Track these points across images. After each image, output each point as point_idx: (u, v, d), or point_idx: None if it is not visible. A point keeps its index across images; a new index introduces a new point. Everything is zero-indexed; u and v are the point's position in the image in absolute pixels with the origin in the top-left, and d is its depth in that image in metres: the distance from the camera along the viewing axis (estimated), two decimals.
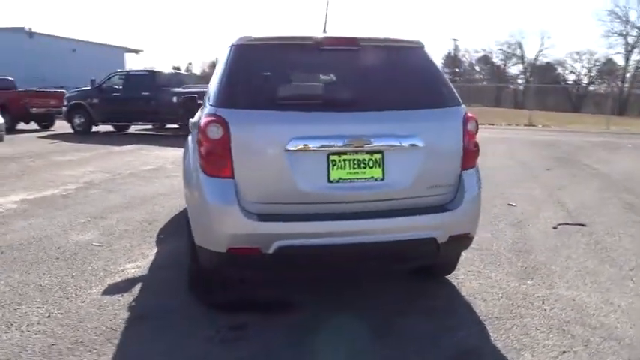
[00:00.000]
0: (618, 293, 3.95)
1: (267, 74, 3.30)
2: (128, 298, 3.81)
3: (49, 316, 3.50)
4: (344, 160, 3.13)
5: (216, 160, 3.08)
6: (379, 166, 3.17)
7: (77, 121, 16.82)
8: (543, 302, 3.77)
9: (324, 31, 3.89)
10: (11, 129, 18.01)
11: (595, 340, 3.22)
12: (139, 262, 4.59)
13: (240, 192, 3.08)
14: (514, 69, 76.72)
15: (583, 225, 5.90)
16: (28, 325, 3.36)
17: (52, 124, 19.22)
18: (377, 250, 3.17)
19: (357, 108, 3.22)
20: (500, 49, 77.35)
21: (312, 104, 3.20)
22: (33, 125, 19.13)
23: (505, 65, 76.83)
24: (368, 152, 3.15)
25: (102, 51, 43.01)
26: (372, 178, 3.17)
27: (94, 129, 17.11)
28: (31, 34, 41.69)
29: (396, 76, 3.50)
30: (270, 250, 3.03)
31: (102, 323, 3.40)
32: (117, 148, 12.81)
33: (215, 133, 3.06)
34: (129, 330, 3.32)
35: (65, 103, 17.08)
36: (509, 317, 3.52)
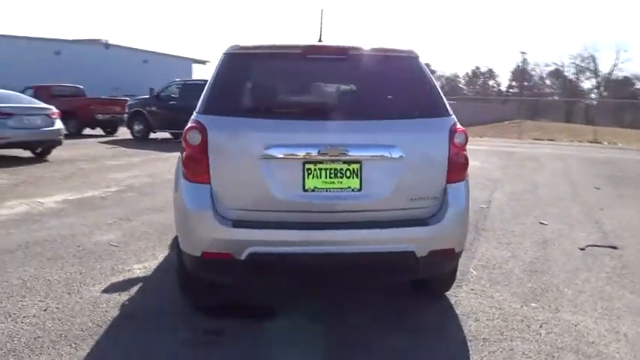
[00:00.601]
0: (629, 322, 3.66)
1: (251, 82, 3.34)
2: (124, 297, 3.94)
3: (45, 309, 3.68)
4: (320, 169, 3.10)
5: (194, 165, 3.15)
6: (356, 177, 3.13)
7: (136, 127, 17.61)
8: (541, 326, 3.56)
9: (320, 39, 3.88)
10: (78, 133, 19.19)
11: None
12: (147, 263, 4.73)
13: (216, 198, 3.12)
14: (587, 83, 73.36)
15: (614, 248, 5.53)
16: (24, 317, 3.54)
17: (115, 130, 20.21)
18: (352, 261, 3.11)
19: (335, 117, 3.19)
20: (572, 63, 74.16)
21: (290, 112, 3.21)
22: (98, 131, 20.20)
23: (577, 79, 73.62)
24: (345, 162, 3.11)
25: (171, 62, 44.96)
26: (349, 188, 3.13)
27: (152, 135, 17.84)
28: (107, 46, 44.25)
29: (382, 85, 3.45)
30: (243, 257, 3.05)
31: (91, 319, 3.53)
32: (167, 154, 13.29)
33: (194, 139, 3.13)
34: (113, 328, 3.43)
35: (126, 110, 17.93)
36: (498, 340, 3.34)
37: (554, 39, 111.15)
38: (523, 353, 3.18)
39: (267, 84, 3.39)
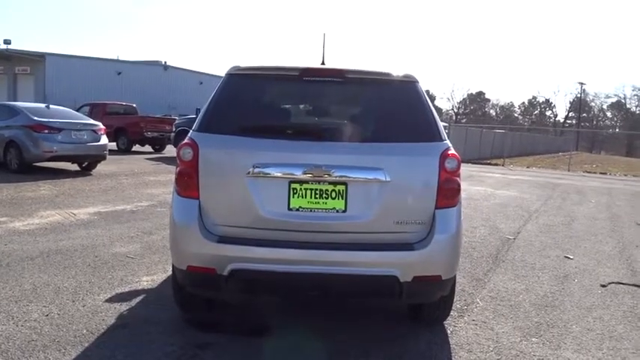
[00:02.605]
0: None
1: (247, 102, 3.42)
2: (124, 307, 4.05)
3: (47, 315, 3.83)
4: (305, 189, 3.13)
5: (185, 180, 3.24)
6: (342, 198, 3.13)
7: None
8: None
9: (323, 62, 3.94)
10: (127, 150, 20.01)
11: None
12: (156, 276, 4.86)
13: (204, 213, 3.20)
14: None
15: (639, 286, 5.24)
16: (25, 321, 3.70)
17: (163, 147, 20.92)
18: (333, 282, 3.10)
19: (324, 138, 3.22)
20: (635, 95, 71.34)
21: (280, 132, 3.26)
22: (147, 148, 20.97)
23: None
24: (331, 183, 3.13)
25: None
26: (334, 209, 3.13)
27: None
28: (165, 67, 46.21)
29: (375, 108, 3.46)
30: (225, 272, 3.09)
31: (85, 326, 3.64)
32: None
33: (186, 155, 3.23)
34: (104, 335, 3.53)
35: (173, 129, 18.56)
36: None
37: (616, 69, 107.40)
38: None
39: (261, 104, 3.47)
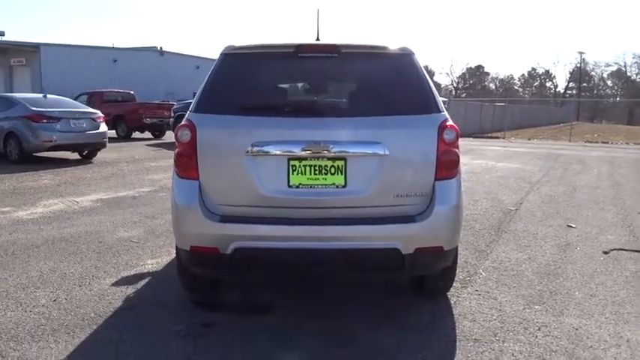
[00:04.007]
0: (637, 328, 3.49)
1: (243, 81, 3.40)
2: (130, 290, 4.09)
3: (55, 300, 3.87)
4: (304, 166, 3.13)
5: (184, 162, 3.25)
6: (341, 173, 3.13)
7: None
8: (539, 329, 3.44)
9: (317, 38, 3.91)
10: (127, 137, 19.99)
11: None
12: (160, 259, 4.89)
13: (205, 193, 3.21)
14: None
15: None
16: (33, 307, 3.74)
17: (163, 133, 20.88)
18: (335, 257, 3.11)
19: (322, 114, 3.22)
20: (635, 62, 70.73)
21: (277, 110, 3.25)
22: (147, 134, 20.94)
23: None
24: (330, 158, 3.13)
25: None
26: (334, 184, 3.14)
27: None
28: (161, 53, 45.85)
29: (372, 82, 3.44)
30: (228, 251, 3.11)
31: (93, 310, 3.69)
32: None
33: (184, 136, 3.23)
34: (112, 318, 3.57)
35: (172, 114, 18.51)
36: (489, 341, 3.26)
37: (615, 38, 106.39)
38: (512, 355, 3.09)
39: (258, 82, 3.45)
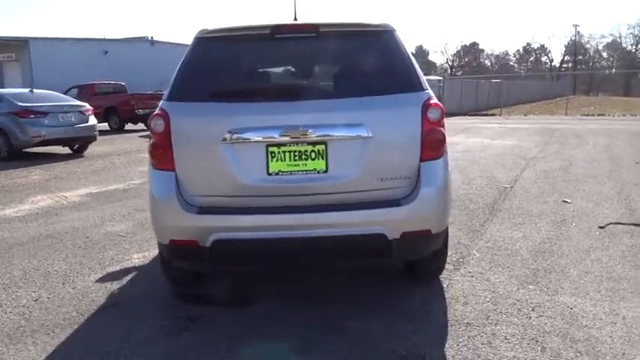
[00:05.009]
0: (632, 304, 3.40)
1: (217, 66, 3.26)
2: (115, 285, 3.99)
3: (36, 299, 3.77)
4: (283, 152, 3.01)
5: (159, 152, 3.12)
6: (322, 158, 3.01)
7: None
8: (533, 309, 3.36)
9: (295, 18, 3.75)
10: (121, 129, 19.80)
11: (568, 355, 2.80)
12: (148, 252, 4.79)
13: (181, 184, 3.09)
14: None
15: (638, 225, 5.16)
16: (14, 307, 3.65)
17: None
18: (319, 245, 3.01)
19: (300, 97, 3.08)
20: (630, 33, 70.16)
21: (253, 94, 3.12)
22: (140, 125, 20.72)
23: (637, 50, 69.63)
24: (310, 143, 3.00)
25: None
26: (315, 170, 3.02)
27: None
28: (152, 42, 45.35)
29: (352, 62, 3.30)
30: (208, 244, 3.01)
31: (76, 308, 3.59)
32: None
33: (158, 126, 3.10)
34: (95, 316, 3.48)
35: None
36: (481, 324, 3.17)
37: (610, 9, 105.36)
38: (505, 338, 3.00)
39: (233, 67, 3.30)
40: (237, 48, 3.33)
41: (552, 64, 79.87)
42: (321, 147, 3.00)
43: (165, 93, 3.28)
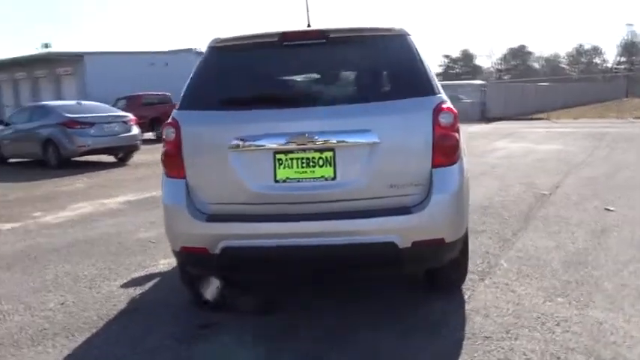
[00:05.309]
0: None
1: (227, 74, 3.27)
2: (138, 291, 4.06)
3: (62, 303, 3.88)
4: (291, 159, 2.98)
5: (171, 161, 3.16)
6: (330, 165, 2.96)
7: None
8: (558, 324, 3.18)
9: (309, 25, 3.73)
10: None
11: None
12: (173, 259, 4.76)
13: (192, 192, 3.11)
14: None
15: None
16: (41, 310, 3.76)
17: None
18: (327, 253, 2.95)
19: (307, 104, 3.05)
20: None
21: (261, 102, 3.10)
22: None
23: None
24: (317, 150, 2.96)
25: None
26: (323, 177, 2.97)
27: None
28: (197, 53, 46.44)
29: (362, 67, 3.26)
30: (217, 251, 3.01)
31: (97, 313, 3.67)
32: None
33: (169, 134, 3.14)
34: (113, 320, 3.54)
35: None
36: (500, 338, 3.02)
37: None
38: (523, 354, 2.85)
39: (242, 75, 3.29)
40: (246, 56, 3.33)
41: (605, 65, 76.82)
42: (329, 154, 2.96)
43: (179, 102, 3.31)
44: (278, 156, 2.98)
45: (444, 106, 3.01)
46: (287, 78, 3.30)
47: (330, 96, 3.13)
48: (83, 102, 12.90)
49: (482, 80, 36.28)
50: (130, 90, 27.73)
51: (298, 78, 3.30)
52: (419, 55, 3.19)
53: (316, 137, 2.92)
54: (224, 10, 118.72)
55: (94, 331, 3.39)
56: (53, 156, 11.79)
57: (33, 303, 3.91)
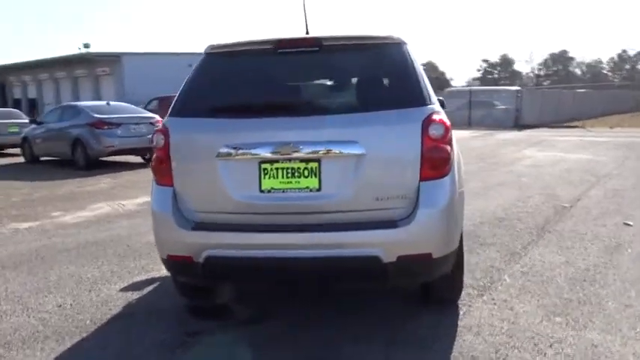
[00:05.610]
0: None
1: (219, 81, 3.27)
2: (135, 295, 4.10)
3: (60, 305, 3.94)
4: (276, 169, 2.95)
5: (160, 168, 3.17)
6: (315, 176, 2.92)
7: None
8: (551, 345, 3.05)
9: (307, 32, 3.70)
10: None
11: None
12: None
13: (180, 200, 3.12)
14: None
15: None
16: (38, 312, 3.83)
17: None
18: (310, 265, 2.91)
19: (295, 113, 3.01)
20: None
21: (249, 110, 3.08)
22: None
23: None
24: (303, 160, 2.92)
25: None
26: (307, 188, 2.93)
27: None
28: None
29: (352, 77, 3.21)
30: (201, 260, 3.00)
31: (91, 317, 3.71)
32: None
33: (159, 141, 3.15)
34: (106, 325, 3.58)
35: None
36: (487, 359, 2.92)
37: None
38: None
39: (234, 82, 3.28)
40: (239, 63, 3.32)
41: None
42: (314, 164, 2.91)
43: (170, 108, 3.33)
44: (263, 165, 2.96)
45: (434, 117, 2.93)
46: (277, 86, 3.27)
47: (319, 105, 3.09)
48: (112, 103, 13.20)
49: (520, 86, 35.49)
50: (168, 91, 28.33)
51: (288, 86, 3.27)
52: (413, 64, 3.12)
53: (301, 147, 2.88)
54: (264, 10, 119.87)
55: (85, 335, 3.43)
56: (81, 156, 12.08)
57: (32, 304, 3.99)
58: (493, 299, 3.76)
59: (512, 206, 6.80)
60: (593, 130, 22.04)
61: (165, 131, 3.14)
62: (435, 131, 2.91)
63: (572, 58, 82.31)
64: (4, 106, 34.45)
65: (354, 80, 3.23)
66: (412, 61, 3.14)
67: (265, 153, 2.93)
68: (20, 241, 5.90)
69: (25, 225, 6.73)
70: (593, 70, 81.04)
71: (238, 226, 3.00)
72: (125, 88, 37.97)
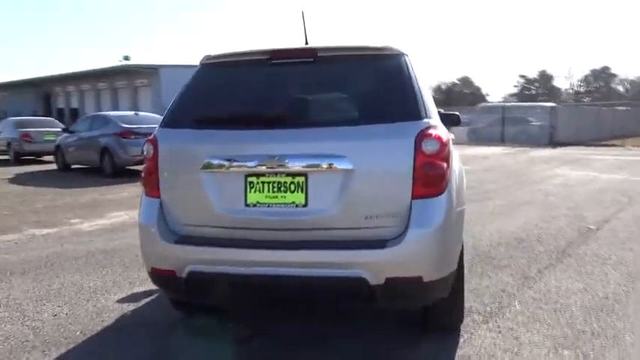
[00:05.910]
0: None
1: (211, 92, 3.19)
2: (130, 307, 4.04)
3: (55, 315, 3.91)
4: (262, 183, 2.84)
5: (149, 179, 3.11)
6: (302, 191, 2.79)
7: None
8: None
9: (306, 42, 3.60)
10: None
11: None
12: None
13: (166, 212, 3.04)
14: None
15: None
16: (32, 320, 3.80)
17: None
18: (295, 285, 2.77)
19: (282, 125, 2.90)
20: None
21: (237, 122, 2.99)
22: None
23: None
24: (289, 174, 2.80)
25: None
26: (293, 203, 2.81)
27: None
28: None
29: (345, 89, 3.07)
30: (184, 275, 2.90)
31: (83, 328, 3.66)
32: None
33: (149, 152, 3.09)
34: (94, 337, 3.51)
35: None
36: None
37: None
38: None
39: (226, 93, 3.20)
40: (232, 74, 3.24)
41: None
42: (301, 179, 2.79)
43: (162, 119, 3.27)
44: (249, 179, 2.85)
45: (429, 132, 2.77)
46: (267, 97, 3.16)
47: (309, 118, 2.97)
48: (140, 113, 13.44)
49: (558, 103, 34.61)
50: None
51: (279, 98, 3.16)
52: (411, 76, 2.97)
53: (287, 161, 2.77)
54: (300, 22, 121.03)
55: (71, 347, 3.37)
56: (108, 164, 12.29)
57: (29, 312, 3.97)
58: (498, 327, 3.53)
59: (535, 227, 6.51)
60: (633, 149, 21.22)
61: (154, 142, 3.07)
62: (429, 147, 2.75)
63: (614, 75, 79.85)
64: (49, 115, 35.58)
65: (346, 92, 3.10)
66: (410, 72, 2.99)
67: (251, 166, 2.82)
68: (34, 248, 5.96)
69: (43, 232, 6.81)
70: (637, 87, 78.43)
71: (222, 241, 2.89)
72: (162, 99, 38.72)
